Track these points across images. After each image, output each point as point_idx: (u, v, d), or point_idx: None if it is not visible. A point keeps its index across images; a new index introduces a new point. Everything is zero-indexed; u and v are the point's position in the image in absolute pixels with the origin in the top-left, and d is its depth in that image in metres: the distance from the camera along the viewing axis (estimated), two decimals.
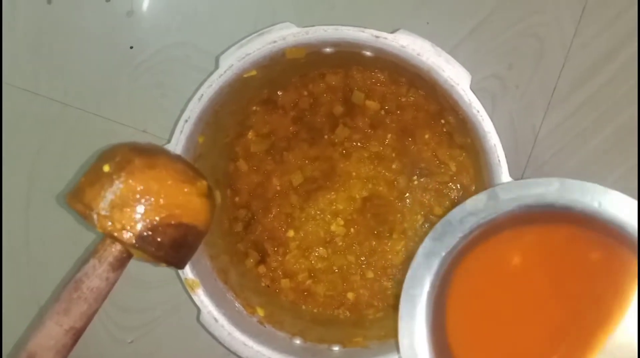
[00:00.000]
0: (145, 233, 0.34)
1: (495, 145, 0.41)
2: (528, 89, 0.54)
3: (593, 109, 0.54)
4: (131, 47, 0.57)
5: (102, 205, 0.34)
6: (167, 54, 0.57)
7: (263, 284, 0.52)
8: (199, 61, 0.56)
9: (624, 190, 0.53)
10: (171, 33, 0.58)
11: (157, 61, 0.57)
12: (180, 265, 0.38)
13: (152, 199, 0.34)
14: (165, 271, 0.55)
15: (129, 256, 0.36)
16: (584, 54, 0.54)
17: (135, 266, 0.56)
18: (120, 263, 0.35)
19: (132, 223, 0.33)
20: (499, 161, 0.41)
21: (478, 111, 0.41)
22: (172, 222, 0.35)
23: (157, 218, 0.34)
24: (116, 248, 0.35)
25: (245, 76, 0.45)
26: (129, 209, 0.33)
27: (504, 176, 0.41)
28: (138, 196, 0.34)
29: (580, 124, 0.54)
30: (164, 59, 0.57)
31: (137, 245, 0.34)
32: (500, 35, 0.54)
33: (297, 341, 0.47)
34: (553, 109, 0.54)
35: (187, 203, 0.36)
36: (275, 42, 0.43)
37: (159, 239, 0.34)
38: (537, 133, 0.54)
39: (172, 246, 0.35)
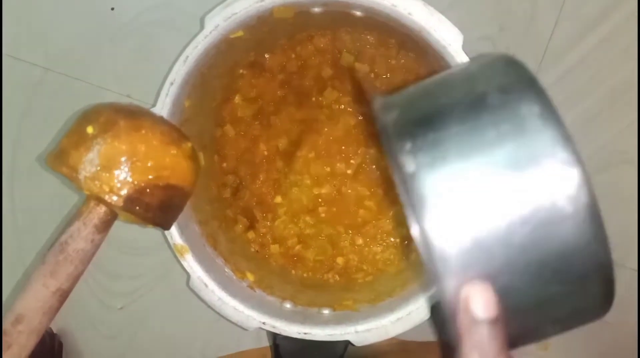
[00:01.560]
0: (133, 195, 0.33)
1: None
2: (519, 51, 0.54)
3: (585, 70, 0.53)
4: (112, 9, 0.56)
5: (89, 168, 0.33)
6: (150, 15, 0.56)
7: (252, 249, 0.52)
8: (184, 22, 0.54)
9: (617, 152, 0.53)
10: None
11: (140, 23, 0.56)
12: (166, 226, 0.38)
13: (139, 161, 0.34)
14: (154, 237, 0.55)
15: (114, 217, 0.35)
16: (576, 15, 0.53)
17: (124, 232, 0.56)
18: (106, 225, 0.35)
19: (120, 185, 0.33)
20: None
21: None
22: (160, 184, 0.34)
23: (144, 180, 0.34)
24: (101, 210, 0.34)
25: (231, 36, 0.44)
26: (116, 172, 0.33)
27: None
28: (125, 158, 0.33)
29: (572, 85, 0.54)
30: (147, 21, 0.56)
31: (124, 207, 0.34)
32: None
33: (288, 305, 0.47)
34: (544, 71, 0.54)
35: (175, 164, 0.35)
36: (262, 0, 0.42)
37: (147, 200, 0.34)
38: None
39: (160, 208, 0.35)
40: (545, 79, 0.53)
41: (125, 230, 0.57)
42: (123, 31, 0.56)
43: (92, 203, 0.34)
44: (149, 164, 0.34)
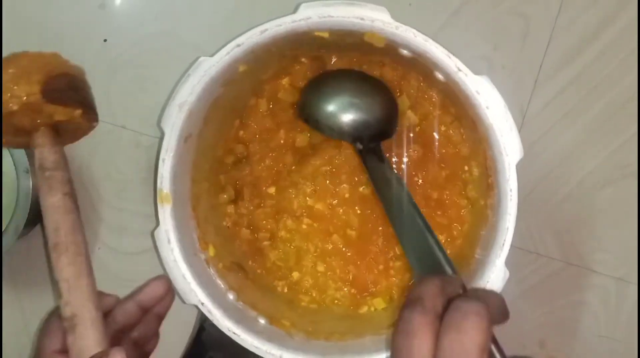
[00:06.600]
0: (45, 88, 0.36)
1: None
2: (514, 69, 0.53)
3: (582, 86, 0.53)
4: (105, 41, 0.54)
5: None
6: (145, 45, 0.54)
7: (225, 223, 0.51)
8: (179, 50, 0.53)
9: (619, 166, 0.53)
10: (147, 23, 0.54)
11: (134, 53, 0.54)
12: (91, 107, 0.40)
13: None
14: (148, 264, 0.53)
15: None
16: (570, 31, 0.52)
17: (117, 263, 0.55)
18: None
19: (30, 87, 0.36)
20: None
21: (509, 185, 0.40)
22: (54, 73, 0.38)
23: (42, 76, 0.37)
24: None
25: (316, 34, 0.42)
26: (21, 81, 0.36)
27: None
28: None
29: (569, 102, 0.53)
30: (142, 51, 0.54)
31: (46, 99, 0.36)
32: (485, 15, 0.53)
33: (231, 296, 0.47)
34: (540, 88, 0.53)
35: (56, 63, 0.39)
36: (362, 19, 0.41)
37: (57, 86, 0.37)
38: (525, 114, 0.53)
39: (70, 89, 0.39)
40: (543, 96, 0.53)
41: (119, 261, 0.56)
42: (116, 62, 0.54)
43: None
44: (37, 66, 0.38)
